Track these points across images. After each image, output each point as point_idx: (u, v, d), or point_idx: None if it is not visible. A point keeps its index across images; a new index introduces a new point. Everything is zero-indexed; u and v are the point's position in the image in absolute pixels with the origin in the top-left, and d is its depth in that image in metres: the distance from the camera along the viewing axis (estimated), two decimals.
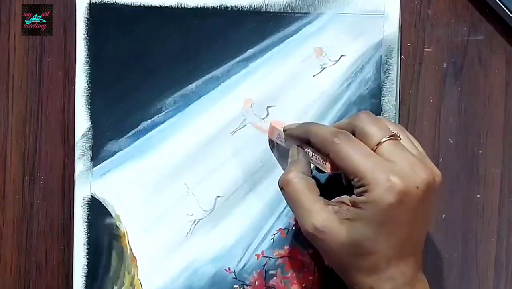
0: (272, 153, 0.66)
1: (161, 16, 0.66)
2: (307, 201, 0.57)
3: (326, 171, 0.57)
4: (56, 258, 0.68)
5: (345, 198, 0.56)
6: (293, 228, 0.65)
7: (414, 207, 0.54)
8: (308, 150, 0.59)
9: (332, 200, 0.57)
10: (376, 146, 0.55)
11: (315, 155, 0.58)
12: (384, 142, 0.55)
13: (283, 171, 0.64)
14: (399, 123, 0.65)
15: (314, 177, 0.59)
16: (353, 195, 0.55)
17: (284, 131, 0.62)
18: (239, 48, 0.66)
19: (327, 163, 0.57)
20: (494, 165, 0.66)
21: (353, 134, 0.56)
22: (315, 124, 0.60)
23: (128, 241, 0.66)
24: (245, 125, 0.66)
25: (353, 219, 0.54)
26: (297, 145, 0.60)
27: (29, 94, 0.68)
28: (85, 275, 0.66)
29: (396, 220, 0.54)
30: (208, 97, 0.66)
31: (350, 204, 0.55)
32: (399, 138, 0.56)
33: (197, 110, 0.66)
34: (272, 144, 0.65)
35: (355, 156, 0.54)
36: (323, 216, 0.56)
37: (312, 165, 0.59)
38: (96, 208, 0.66)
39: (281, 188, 0.59)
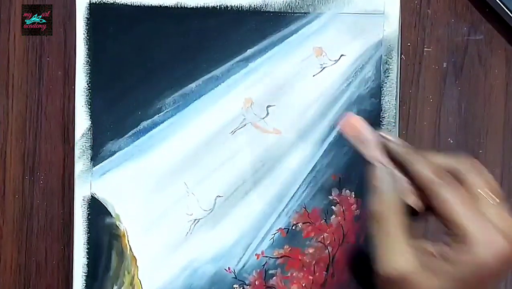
0: (271, 153, 0.66)
1: (161, 15, 0.66)
2: (399, 242, 0.50)
3: (410, 204, 0.51)
4: (56, 257, 0.68)
5: (431, 246, 0.50)
6: (293, 228, 0.65)
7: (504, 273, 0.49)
8: (397, 175, 0.51)
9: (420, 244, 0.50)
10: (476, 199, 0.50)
11: (407, 185, 0.51)
12: (485, 198, 0.50)
13: (281, 173, 0.64)
14: (399, 123, 0.65)
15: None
16: (443, 246, 0.49)
17: (383, 142, 0.52)
18: (239, 47, 0.66)
19: (418, 199, 0.51)
20: (494, 165, 0.66)
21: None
22: (417, 152, 0.52)
23: (128, 241, 0.66)
24: (245, 125, 0.66)
25: (444, 273, 0.49)
26: (386, 167, 0.52)
27: (29, 94, 0.68)
28: (85, 274, 0.66)
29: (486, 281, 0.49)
30: (208, 97, 0.66)
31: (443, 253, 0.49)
32: (500, 197, 0.51)
33: (197, 109, 0.66)
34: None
35: (459, 208, 0.49)
36: (412, 261, 0.49)
37: None
38: (96, 208, 0.66)
39: (373, 217, 0.51)
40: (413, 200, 0.51)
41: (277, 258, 0.66)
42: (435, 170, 0.50)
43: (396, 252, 0.49)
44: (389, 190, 0.51)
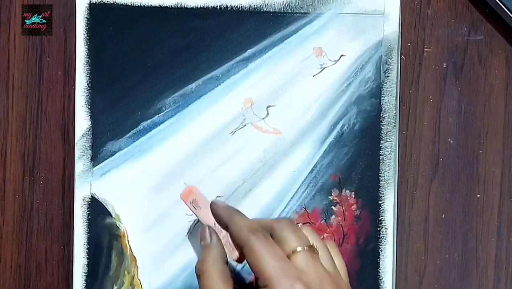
0: (271, 153, 0.66)
1: (161, 16, 0.66)
2: None
3: (233, 259, 0.58)
4: (56, 257, 0.68)
5: None
6: None
7: None
8: (222, 234, 0.59)
9: None
10: (291, 253, 0.54)
11: (229, 241, 0.58)
12: (299, 251, 0.54)
13: (281, 173, 0.65)
14: (399, 123, 0.65)
15: (229, 264, 0.58)
16: None
17: (211, 204, 0.60)
18: (239, 48, 0.66)
19: (237, 253, 0.57)
20: (494, 165, 0.66)
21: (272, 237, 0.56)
22: (239, 213, 0.58)
23: (128, 241, 0.66)
24: (245, 125, 0.66)
25: None
26: (209, 226, 0.60)
27: (29, 94, 0.68)
28: (85, 274, 0.66)
29: None
30: (208, 97, 0.66)
31: None
32: (316, 251, 0.55)
33: (197, 110, 0.66)
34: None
35: (266, 256, 0.53)
36: None
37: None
38: (96, 208, 0.66)
39: (197, 276, 0.57)
40: (235, 255, 0.57)
41: None
42: (250, 226, 0.55)
43: None
44: (213, 246, 0.58)
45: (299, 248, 0.54)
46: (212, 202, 0.61)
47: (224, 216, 0.58)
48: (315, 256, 0.55)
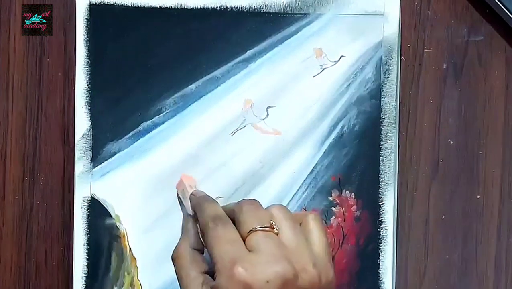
0: (271, 154, 0.66)
1: (161, 16, 0.66)
2: (187, 277, 0.58)
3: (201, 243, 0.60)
4: (56, 258, 0.68)
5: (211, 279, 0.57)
6: None
7: None
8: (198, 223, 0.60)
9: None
10: (247, 235, 0.55)
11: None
12: (255, 231, 0.55)
13: (281, 173, 0.65)
14: (399, 124, 0.65)
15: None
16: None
17: (190, 194, 0.62)
18: (239, 48, 0.66)
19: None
20: (494, 166, 0.66)
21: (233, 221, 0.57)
22: (209, 202, 0.60)
23: (128, 242, 0.66)
24: (245, 126, 0.66)
25: None
26: (189, 214, 0.62)
27: (29, 94, 0.68)
28: (85, 275, 0.66)
29: None
30: (208, 98, 0.66)
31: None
32: (275, 230, 0.55)
33: (197, 110, 0.66)
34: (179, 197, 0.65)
35: (218, 241, 0.55)
36: None
37: None
38: (96, 209, 0.66)
39: (172, 262, 0.60)
40: (203, 241, 0.58)
41: None
42: (211, 215, 0.57)
43: (186, 287, 0.57)
44: (188, 234, 0.61)
45: (257, 228, 0.55)
46: (191, 192, 0.62)
47: (195, 205, 0.61)
48: (269, 234, 0.54)
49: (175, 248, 0.60)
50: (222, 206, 0.60)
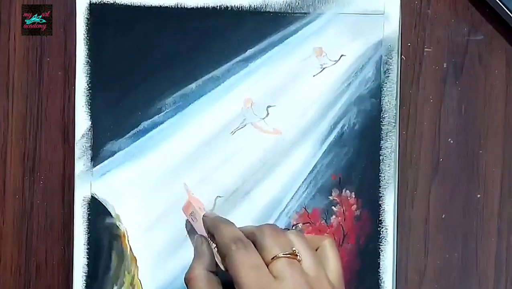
0: (271, 153, 0.66)
1: (161, 16, 0.66)
2: None
3: (222, 268, 0.58)
4: (56, 258, 0.68)
5: None
6: (293, 228, 0.65)
7: None
8: (213, 244, 0.60)
9: None
10: (271, 261, 0.55)
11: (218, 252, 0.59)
12: (279, 258, 0.55)
13: (281, 173, 0.65)
14: (399, 123, 0.65)
15: (223, 272, 0.59)
16: None
17: (203, 216, 0.62)
18: (239, 48, 0.66)
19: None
20: (494, 165, 0.66)
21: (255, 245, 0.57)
22: (226, 223, 0.59)
23: (128, 241, 0.66)
24: (245, 125, 0.66)
25: None
26: (202, 236, 0.61)
27: (29, 94, 0.68)
28: (85, 275, 0.66)
29: None
30: (208, 97, 0.66)
31: None
32: (298, 258, 0.56)
33: (197, 110, 0.66)
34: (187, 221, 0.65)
35: (241, 266, 0.54)
36: None
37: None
38: (96, 208, 0.66)
39: (186, 284, 0.59)
40: (220, 263, 0.58)
41: None
42: (232, 236, 0.57)
43: None
44: (203, 255, 0.60)
45: (280, 254, 0.55)
46: (204, 214, 0.62)
47: (210, 226, 0.60)
48: (293, 262, 0.55)
49: (190, 269, 0.59)
50: (239, 228, 0.59)
